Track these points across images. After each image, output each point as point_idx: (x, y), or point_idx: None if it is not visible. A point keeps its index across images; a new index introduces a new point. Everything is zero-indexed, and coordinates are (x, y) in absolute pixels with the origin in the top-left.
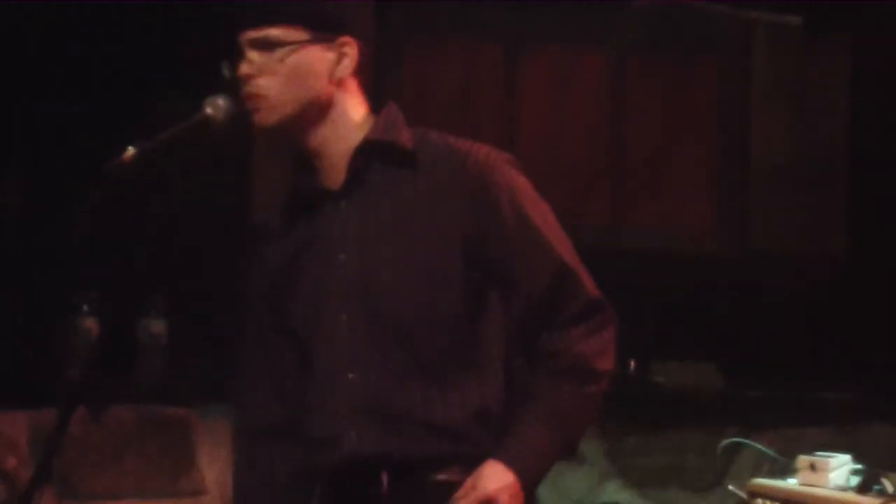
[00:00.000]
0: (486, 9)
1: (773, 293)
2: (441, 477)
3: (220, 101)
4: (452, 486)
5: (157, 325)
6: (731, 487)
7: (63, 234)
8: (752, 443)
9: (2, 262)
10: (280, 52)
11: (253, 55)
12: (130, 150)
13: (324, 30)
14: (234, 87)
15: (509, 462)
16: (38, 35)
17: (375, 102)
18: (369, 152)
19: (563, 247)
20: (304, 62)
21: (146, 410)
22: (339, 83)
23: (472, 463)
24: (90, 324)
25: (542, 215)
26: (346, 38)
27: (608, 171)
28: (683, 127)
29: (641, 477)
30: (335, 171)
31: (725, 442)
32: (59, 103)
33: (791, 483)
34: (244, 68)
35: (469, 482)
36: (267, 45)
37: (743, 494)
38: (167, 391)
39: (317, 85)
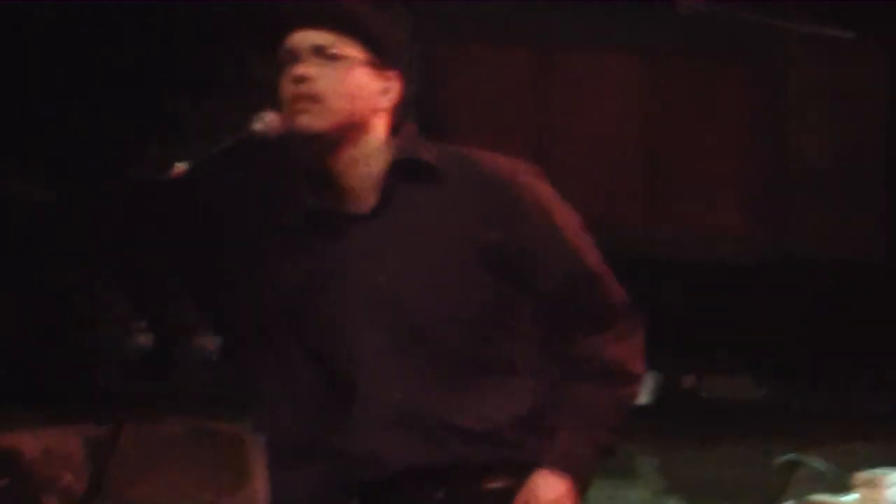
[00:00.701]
0: (518, 12)
1: (814, 299)
2: (492, 485)
3: (269, 117)
4: (505, 494)
5: (209, 340)
6: None
7: (104, 241)
8: (808, 459)
9: (53, 279)
10: (342, 64)
11: (312, 59)
12: (180, 166)
13: (380, 57)
14: (268, 84)
15: (561, 470)
16: (70, 35)
17: (410, 110)
18: (397, 173)
19: (590, 252)
20: (361, 81)
21: (199, 425)
22: (379, 113)
23: (518, 469)
24: (143, 339)
25: (568, 222)
26: (395, 73)
27: (642, 177)
28: (719, 132)
29: (696, 493)
30: (358, 192)
31: (782, 458)
32: (90, 102)
33: (849, 499)
34: (304, 69)
35: (522, 496)
36: (328, 55)
37: None
38: (220, 406)
39: (364, 107)
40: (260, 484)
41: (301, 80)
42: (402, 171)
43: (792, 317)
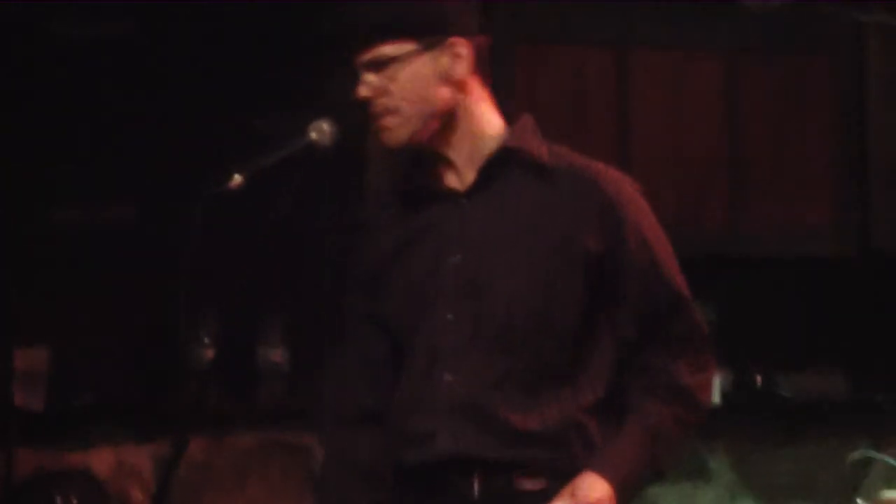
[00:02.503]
0: (594, 13)
1: None
2: (531, 485)
3: (325, 126)
4: (543, 495)
5: (276, 351)
6: (860, 501)
7: (180, 260)
8: (881, 455)
9: (121, 291)
10: (391, 70)
11: (368, 77)
12: (237, 178)
13: (430, 35)
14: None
15: (608, 475)
16: (147, 54)
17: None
18: (504, 159)
19: (679, 277)
20: (416, 74)
21: (268, 437)
22: (459, 86)
23: (562, 473)
24: (209, 353)
25: (663, 245)
26: (456, 39)
27: (723, 176)
28: (798, 128)
29: (770, 491)
30: (461, 172)
31: (855, 455)
32: (171, 118)
33: None
34: (361, 91)
35: (567, 489)
36: (378, 65)
37: None
38: (289, 417)
39: (434, 94)
40: None
41: (366, 102)
42: (509, 158)
43: (876, 313)
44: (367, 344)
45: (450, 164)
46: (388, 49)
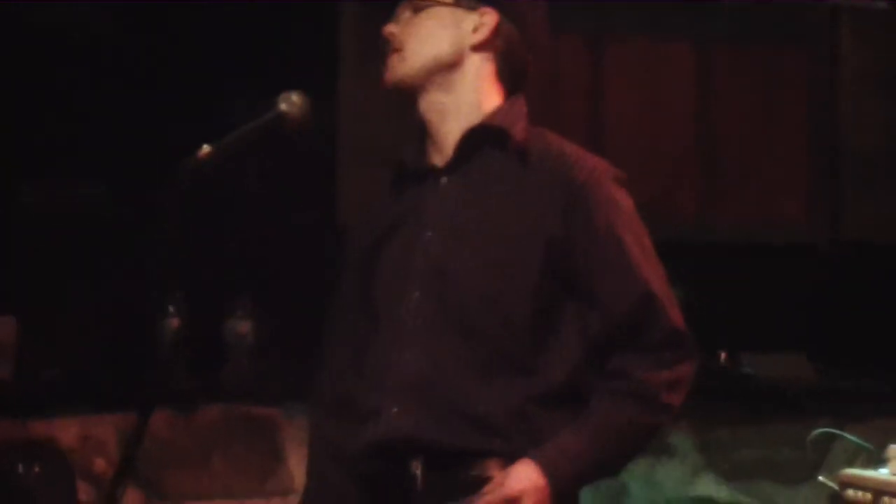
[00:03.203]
0: (568, 2)
1: (866, 283)
2: (475, 473)
3: (294, 97)
4: (486, 484)
5: (243, 325)
6: (821, 478)
7: (149, 235)
8: (842, 433)
9: (90, 266)
10: (425, 9)
11: (404, 14)
12: (206, 148)
13: None
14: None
15: (543, 465)
16: (117, 38)
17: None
18: (481, 136)
19: (653, 274)
20: (437, 22)
21: (233, 410)
22: (469, 52)
23: (507, 463)
24: (176, 325)
25: (637, 238)
26: (488, 9)
27: (696, 164)
28: (772, 118)
29: (734, 470)
30: (445, 147)
31: (815, 432)
32: (144, 102)
33: (882, 473)
34: (389, 27)
35: (499, 478)
36: (413, 5)
37: (834, 485)
38: (255, 391)
39: (446, 43)
40: (294, 467)
41: (389, 38)
42: (485, 135)
43: (844, 299)
44: (356, 329)
45: (434, 138)
46: None
